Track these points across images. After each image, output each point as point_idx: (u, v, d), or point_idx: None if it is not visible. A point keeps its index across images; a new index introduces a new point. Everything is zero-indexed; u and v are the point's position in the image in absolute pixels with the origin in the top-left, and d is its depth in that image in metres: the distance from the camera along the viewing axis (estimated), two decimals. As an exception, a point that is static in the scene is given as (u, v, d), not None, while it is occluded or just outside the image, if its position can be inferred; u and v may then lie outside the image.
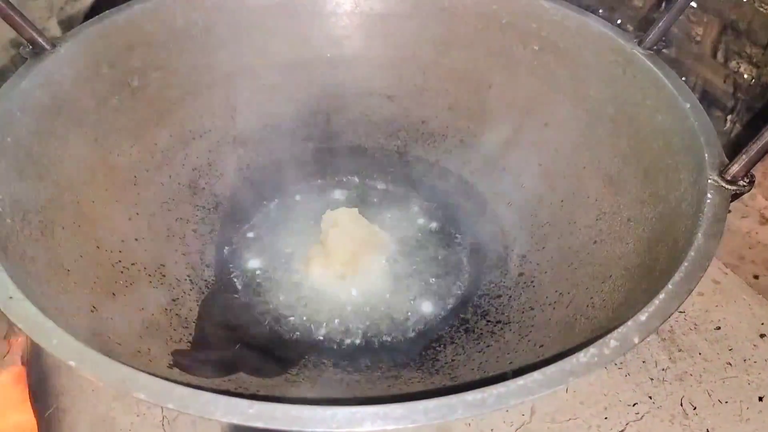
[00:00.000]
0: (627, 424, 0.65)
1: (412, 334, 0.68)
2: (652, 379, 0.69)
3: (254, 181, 0.81)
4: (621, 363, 0.70)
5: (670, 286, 0.43)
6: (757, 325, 0.74)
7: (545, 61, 0.73)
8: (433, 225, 0.80)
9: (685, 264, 0.44)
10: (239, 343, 0.63)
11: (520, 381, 0.36)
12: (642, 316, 0.41)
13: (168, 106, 0.74)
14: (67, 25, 0.87)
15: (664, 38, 0.64)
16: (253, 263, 0.75)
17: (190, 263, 0.70)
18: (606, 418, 0.65)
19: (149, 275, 0.64)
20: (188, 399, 0.36)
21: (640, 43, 0.64)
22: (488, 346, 0.62)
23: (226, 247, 0.76)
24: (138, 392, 0.36)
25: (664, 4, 0.86)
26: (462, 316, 0.69)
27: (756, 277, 0.78)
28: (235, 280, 0.73)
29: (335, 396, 0.58)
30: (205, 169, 0.78)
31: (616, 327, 0.40)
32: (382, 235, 0.76)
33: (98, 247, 0.60)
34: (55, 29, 0.85)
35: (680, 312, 0.75)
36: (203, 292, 0.68)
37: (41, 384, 0.65)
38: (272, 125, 0.83)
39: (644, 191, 0.60)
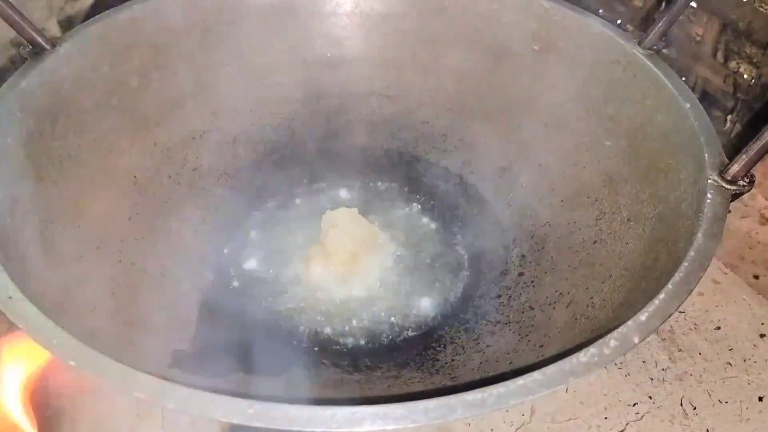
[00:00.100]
0: (627, 424, 0.65)
1: (411, 334, 0.68)
2: (652, 379, 0.69)
3: (254, 181, 0.81)
4: (621, 363, 0.70)
5: (670, 286, 0.43)
6: (757, 325, 0.74)
7: (545, 61, 0.73)
8: (433, 225, 0.80)
9: (685, 264, 0.44)
10: (239, 343, 0.63)
11: (520, 381, 0.36)
12: (642, 316, 0.41)
13: (168, 106, 0.74)
14: (67, 25, 0.87)
15: (664, 38, 0.64)
16: (253, 263, 0.75)
17: (190, 263, 0.70)
18: (606, 418, 0.65)
19: (149, 275, 0.64)
20: (188, 399, 0.36)
21: (640, 43, 0.64)
22: (488, 346, 0.62)
23: (226, 247, 0.76)
24: (138, 392, 0.36)
25: (664, 4, 0.86)
26: (462, 316, 0.69)
27: (756, 277, 0.78)
28: (235, 280, 0.73)
29: (335, 396, 0.58)
30: (205, 169, 0.78)
31: (616, 327, 0.40)
32: (381, 235, 0.76)
33: (98, 247, 0.60)
34: (55, 29, 0.85)
35: (680, 312, 0.75)
36: (203, 292, 0.68)
37: (41, 384, 0.65)
38: (272, 125, 0.83)
39: (644, 191, 0.60)
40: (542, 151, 0.74)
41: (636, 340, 0.40)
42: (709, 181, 0.50)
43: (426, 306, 0.70)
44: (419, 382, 0.60)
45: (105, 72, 0.67)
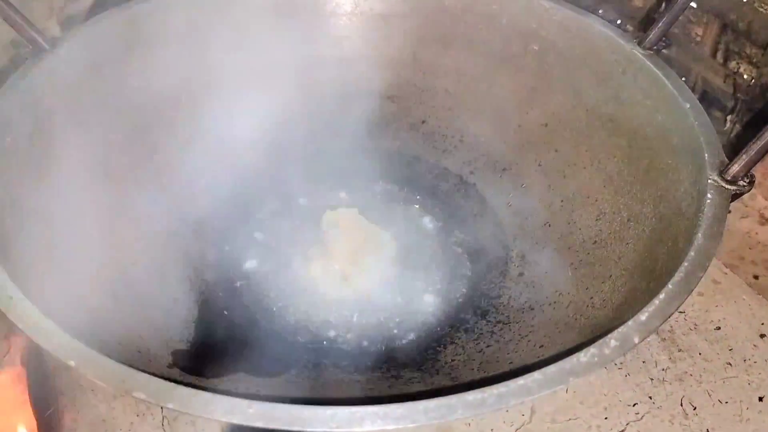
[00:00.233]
0: (627, 424, 0.65)
1: (412, 335, 0.68)
2: (652, 380, 0.69)
3: (254, 181, 0.81)
4: (621, 363, 0.70)
5: (670, 286, 0.43)
6: (757, 325, 0.74)
7: (545, 61, 0.73)
8: (433, 225, 0.80)
9: (685, 264, 0.44)
10: (239, 343, 0.63)
11: (520, 381, 0.36)
12: (642, 316, 0.41)
13: (168, 106, 0.74)
14: (68, 25, 0.87)
15: (664, 38, 0.64)
16: (253, 263, 0.75)
17: (191, 263, 0.70)
18: (606, 418, 0.65)
19: (150, 275, 0.64)
20: (188, 399, 0.36)
21: (640, 43, 0.64)
22: (488, 346, 0.62)
23: (227, 247, 0.76)
24: (138, 392, 0.36)
25: (664, 5, 0.86)
26: (462, 316, 0.69)
27: (756, 277, 0.78)
28: (235, 280, 0.73)
29: (335, 396, 0.58)
30: (205, 169, 0.78)
31: (616, 327, 0.40)
32: (382, 235, 0.76)
33: (99, 248, 0.60)
34: (55, 29, 0.85)
35: (680, 312, 0.75)
36: (203, 292, 0.68)
37: (41, 384, 0.65)
38: (272, 126, 0.83)
39: (644, 191, 0.60)
40: (542, 151, 0.74)
41: (636, 340, 0.40)
42: (709, 181, 0.50)
43: (426, 306, 0.70)
44: (419, 382, 0.60)
45: (105, 72, 0.67)
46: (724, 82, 0.82)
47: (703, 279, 0.43)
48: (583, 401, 0.66)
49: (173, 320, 0.61)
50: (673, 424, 0.65)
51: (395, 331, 0.68)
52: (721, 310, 0.76)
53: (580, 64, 0.70)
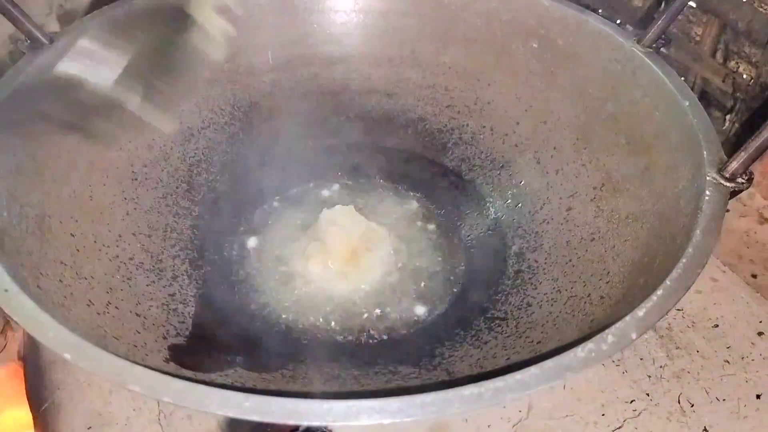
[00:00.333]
0: (624, 421, 0.65)
1: (410, 331, 0.68)
2: (649, 377, 0.69)
3: (252, 177, 0.81)
4: (618, 360, 0.70)
5: (668, 282, 0.43)
6: (755, 322, 0.74)
7: (544, 59, 0.73)
8: (432, 222, 0.80)
9: (683, 261, 0.44)
10: (236, 338, 0.63)
11: (517, 375, 0.36)
12: (640, 312, 0.41)
13: (167, 102, 0.74)
14: (66, 21, 0.87)
15: (663, 36, 0.64)
16: (251, 259, 0.75)
17: (188, 259, 0.70)
18: (603, 414, 0.65)
19: (146, 270, 0.64)
20: (184, 392, 0.36)
21: (639, 41, 0.64)
22: (486, 342, 0.62)
23: (224, 243, 0.76)
24: (134, 385, 0.36)
25: (663, 3, 0.86)
26: (460, 312, 0.69)
27: (754, 276, 0.78)
28: (233, 275, 0.73)
29: (332, 390, 0.58)
30: (203, 166, 0.77)
31: (613, 323, 0.40)
32: (380, 232, 0.76)
33: (95, 242, 0.60)
34: (54, 25, 0.85)
35: (678, 309, 0.75)
36: (200, 287, 0.68)
37: (37, 379, 0.64)
38: (270, 122, 0.83)
39: (642, 188, 0.60)
40: (540, 149, 0.74)
41: (633, 336, 0.40)
42: (707, 178, 0.50)
43: (424, 302, 0.70)
44: (417, 377, 0.59)
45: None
46: (724, 81, 0.82)
47: (701, 277, 0.43)
48: (580, 398, 0.66)
49: (170, 315, 0.61)
50: (670, 421, 0.65)
51: (393, 326, 0.68)
52: (719, 307, 0.76)
53: (579, 61, 0.70)
